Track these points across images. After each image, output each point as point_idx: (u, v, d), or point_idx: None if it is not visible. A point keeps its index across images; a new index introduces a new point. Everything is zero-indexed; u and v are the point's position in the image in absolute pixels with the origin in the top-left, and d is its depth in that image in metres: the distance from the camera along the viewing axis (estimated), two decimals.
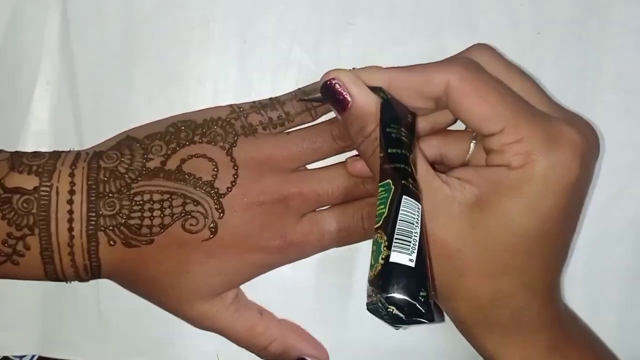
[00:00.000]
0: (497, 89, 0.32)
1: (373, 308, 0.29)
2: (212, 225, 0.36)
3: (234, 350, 0.40)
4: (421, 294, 0.28)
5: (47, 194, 0.35)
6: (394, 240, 0.29)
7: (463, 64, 0.33)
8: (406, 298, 0.28)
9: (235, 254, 0.37)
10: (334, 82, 0.34)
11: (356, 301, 0.42)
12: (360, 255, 0.41)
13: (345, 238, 0.39)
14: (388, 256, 0.28)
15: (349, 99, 0.33)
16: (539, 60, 0.41)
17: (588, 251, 0.41)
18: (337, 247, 0.39)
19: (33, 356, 0.42)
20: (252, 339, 0.39)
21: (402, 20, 0.41)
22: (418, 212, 0.30)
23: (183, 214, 0.36)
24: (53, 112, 0.41)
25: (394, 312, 0.28)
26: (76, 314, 0.42)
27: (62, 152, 0.37)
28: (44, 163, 0.36)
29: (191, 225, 0.36)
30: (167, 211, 0.36)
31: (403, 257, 0.29)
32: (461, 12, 0.41)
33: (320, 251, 0.39)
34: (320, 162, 0.39)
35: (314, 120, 0.40)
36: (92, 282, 0.38)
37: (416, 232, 0.29)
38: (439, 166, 0.38)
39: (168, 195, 0.36)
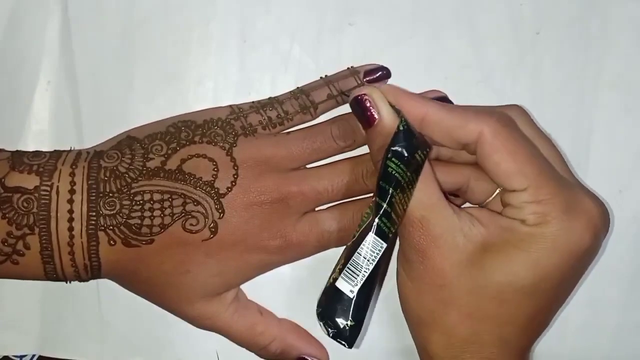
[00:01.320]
0: (527, 148, 0.33)
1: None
2: (212, 225, 0.36)
3: (233, 350, 0.40)
4: (349, 322, 0.32)
5: (47, 193, 0.35)
6: (345, 269, 0.32)
7: (499, 118, 0.33)
8: (334, 321, 0.32)
9: (235, 254, 0.37)
10: (364, 97, 0.34)
11: None
12: None
13: (344, 238, 0.39)
14: (336, 279, 0.32)
15: (376, 116, 0.34)
16: (539, 60, 0.41)
17: None
18: (336, 247, 0.39)
19: (33, 356, 0.42)
20: (252, 338, 0.39)
21: (402, 20, 0.41)
22: (380, 251, 0.32)
23: (183, 214, 0.36)
24: (53, 112, 0.41)
25: (319, 321, 0.33)
26: (76, 314, 0.42)
27: (63, 151, 0.37)
28: (45, 162, 0.36)
29: (191, 225, 0.36)
30: (168, 211, 0.36)
31: (346, 285, 0.32)
32: (461, 12, 0.41)
33: (319, 251, 0.39)
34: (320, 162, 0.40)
35: (313, 119, 0.40)
36: (92, 282, 0.38)
37: (367, 269, 0.32)
38: (452, 197, 0.38)
39: (168, 195, 0.36)
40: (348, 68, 0.40)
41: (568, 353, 0.42)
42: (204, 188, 0.36)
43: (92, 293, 0.41)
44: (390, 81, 0.40)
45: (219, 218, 0.36)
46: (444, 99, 0.38)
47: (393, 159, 0.32)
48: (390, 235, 0.32)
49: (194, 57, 0.41)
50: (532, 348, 0.35)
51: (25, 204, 0.35)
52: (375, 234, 0.32)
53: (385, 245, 0.32)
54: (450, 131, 0.34)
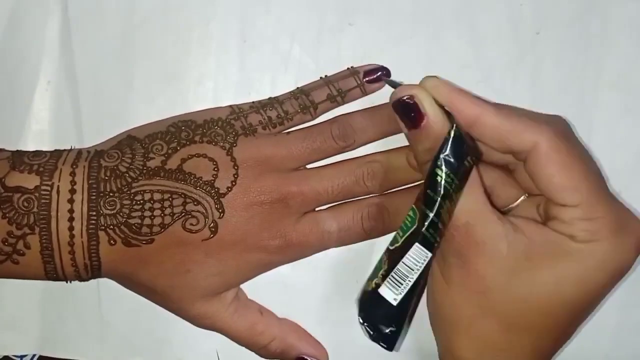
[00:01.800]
0: (583, 162, 0.32)
1: (357, 304, 0.34)
2: (212, 225, 0.36)
3: (233, 350, 0.40)
4: (391, 329, 0.33)
5: (47, 193, 0.35)
6: (389, 277, 0.32)
7: (557, 127, 0.33)
8: (378, 327, 0.33)
9: (235, 254, 0.37)
10: (411, 98, 0.33)
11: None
12: (359, 256, 0.41)
13: (344, 238, 0.39)
14: (379, 285, 0.33)
15: (424, 117, 0.32)
16: (539, 60, 0.41)
17: None
18: (336, 247, 0.40)
19: (33, 356, 0.42)
20: (252, 337, 0.39)
21: (402, 20, 0.41)
22: (424, 261, 0.32)
23: (183, 214, 0.36)
24: (53, 111, 0.41)
25: (363, 325, 0.33)
26: (76, 314, 0.42)
27: (64, 150, 0.37)
28: (45, 162, 0.36)
29: (191, 224, 0.36)
30: (168, 210, 0.36)
31: (390, 293, 0.32)
32: (461, 12, 0.41)
33: (319, 251, 0.39)
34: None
35: (313, 119, 0.40)
36: (92, 282, 0.38)
37: (412, 278, 0.32)
38: None
39: (169, 195, 0.36)
40: (348, 68, 0.40)
41: (568, 353, 0.42)
42: (204, 188, 0.36)
43: (92, 293, 0.41)
44: None
45: (219, 218, 0.36)
46: None
47: (443, 168, 0.31)
48: (436, 245, 0.32)
49: (194, 57, 0.41)
50: None
51: (25, 204, 0.35)
52: (421, 243, 0.32)
53: (430, 255, 0.32)
54: (504, 137, 0.33)
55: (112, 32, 0.41)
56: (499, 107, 0.33)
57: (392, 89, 0.34)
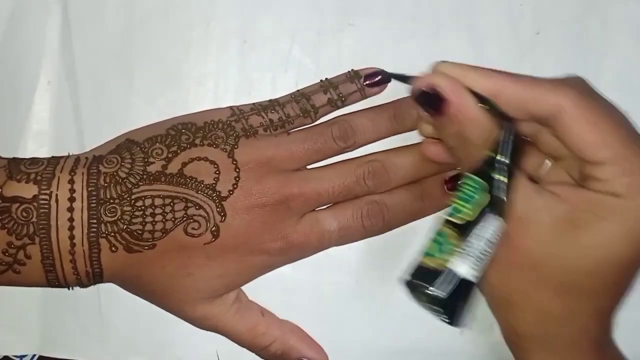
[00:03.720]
0: (611, 117, 0.32)
1: (411, 284, 0.31)
2: (214, 228, 0.36)
3: (234, 350, 0.40)
4: (466, 306, 0.31)
5: (46, 202, 0.34)
6: (471, 257, 0.30)
7: (578, 87, 0.32)
8: (455, 308, 0.30)
9: (237, 257, 0.37)
10: (436, 88, 0.32)
11: (356, 301, 0.42)
12: (360, 255, 0.41)
13: (345, 237, 0.39)
14: (456, 264, 0.30)
15: (453, 99, 0.32)
16: (539, 60, 0.41)
17: None
18: (337, 245, 0.39)
19: (33, 356, 0.42)
20: (254, 339, 0.39)
21: (402, 20, 0.41)
22: (502, 232, 0.31)
23: (185, 218, 0.35)
24: (53, 112, 0.41)
25: (431, 306, 0.30)
26: (76, 314, 0.42)
27: (61, 157, 0.37)
28: (42, 170, 0.35)
29: (193, 229, 0.36)
30: (169, 215, 0.35)
31: (471, 271, 0.30)
32: (461, 12, 0.41)
33: (320, 250, 0.39)
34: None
35: (313, 123, 0.40)
36: None
37: (490, 252, 0.30)
38: None
39: (170, 200, 0.35)
40: (349, 71, 0.40)
41: None
42: (206, 191, 0.36)
43: (92, 293, 0.41)
44: (390, 83, 0.40)
45: (221, 221, 0.36)
46: None
47: (500, 172, 0.31)
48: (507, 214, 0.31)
49: (194, 57, 0.41)
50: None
51: (24, 214, 0.34)
52: (502, 215, 0.30)
53: (506, 225, 0.31)
54: (527, 106, 0.32)
55: (112, 32, 0.41)
56: (517, 77, 0.33)
57: (406, 85, 0.33)
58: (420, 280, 0.31)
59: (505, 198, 0.30)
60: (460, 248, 0.30)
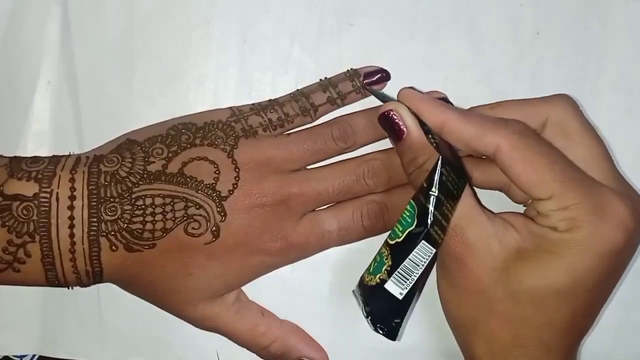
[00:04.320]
0: (547, 157, 0.33)
1: (356, 298, 0.36)
2: (214, 228, 0.36)
3: (234, 350, 0.40)
4: (395, 320, 0.34)
5: (47, 200, 0.35)
6: (395, 273, 0.33)
7: (516, 129, 0.33)
8: (385, 321, 0.34)
9: (237, 257, 0.37)
10: (391, 113, 0.35)
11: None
12: (360, 255, 0.41)
13: (345, 237, 0.39)
14: (384, 281, 0.33)
15: (404, 129, 0.35)
16: (539, 60, 0.41)
17: None
18: (336, 246, 0.40)
19: (33, 356, 0.42)
20: (254, 339, 0.39)
21: (402, 20, 0.41)
22: (429, 256, 0.33)
23: (185, 218, 0.36)
24: (53, 112, 0.41)
25: (368, 318, 0.34)
26: (76, 314, 0.42)
27: (62, 156, 0.37)
28: (44, 169, 0.36)
29: (193, 229, 0.36)
30: (169, 215, 0.35)
31: (396, 289, 0.33)
32: (461, 12, 0.41)
33: (320, 251, 0.39)
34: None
35: (313, 122, 0.40)
36: None
37: (417, 273, 0.33)
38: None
39: (170, 199, 0.35)
40: (348, 70, 0.40)
41: None
42: (206, 191, 0.36)
43: (92, 293, 0.41)
44: (390, 82, 0.40)
45: (221, 221, 0.36)
46: (444, 100, 0.38)
47: (447, 166, 0.33)
48: (440, 241, 0.33)
49: (194, 57, 0.41)
50: (579, 349, 0.36)
51: (25, 212, 0.35)
52: (427, 241, 0.33)
53: (434, 251, 0.33)
54: (468, 142, 0.34)
55: (112, 32, 0.41)
56: (463, 113, 0.35)
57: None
58: (358, 293, 0.35)
59: (428, 225, 0.32)
60: (389, 267, 0.33)
